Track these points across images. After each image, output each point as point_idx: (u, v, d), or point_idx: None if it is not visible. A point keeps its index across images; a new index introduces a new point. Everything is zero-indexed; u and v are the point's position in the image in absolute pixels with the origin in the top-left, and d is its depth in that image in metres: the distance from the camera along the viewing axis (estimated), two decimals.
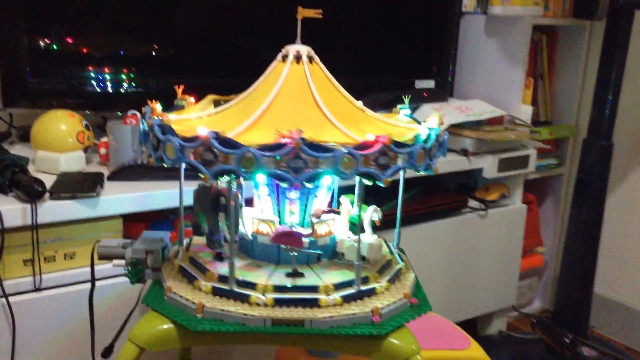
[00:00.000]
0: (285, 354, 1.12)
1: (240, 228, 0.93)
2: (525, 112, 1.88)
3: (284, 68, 0.91)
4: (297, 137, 0.76)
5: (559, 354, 1.69)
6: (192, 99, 0.97)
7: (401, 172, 0.91)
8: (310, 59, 0.91)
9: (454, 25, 1.90)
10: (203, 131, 0.78)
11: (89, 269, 1.17)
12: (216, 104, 1.00)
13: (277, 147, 0.77)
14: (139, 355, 0.82)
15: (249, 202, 0.98)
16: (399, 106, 1.02)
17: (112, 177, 1.28)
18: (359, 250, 0.88)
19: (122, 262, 0.93)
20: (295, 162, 0.77)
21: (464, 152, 1.68)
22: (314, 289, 0.85)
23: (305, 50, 0.91)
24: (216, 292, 0.85)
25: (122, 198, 1.19)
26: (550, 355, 1.75)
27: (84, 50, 1.45)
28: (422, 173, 0.88)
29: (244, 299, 0.83)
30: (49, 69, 1.43)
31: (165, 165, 0.85)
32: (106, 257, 0.96)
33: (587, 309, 1.77)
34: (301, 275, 0.88)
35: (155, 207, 1.24)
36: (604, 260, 2.02)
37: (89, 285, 1.15)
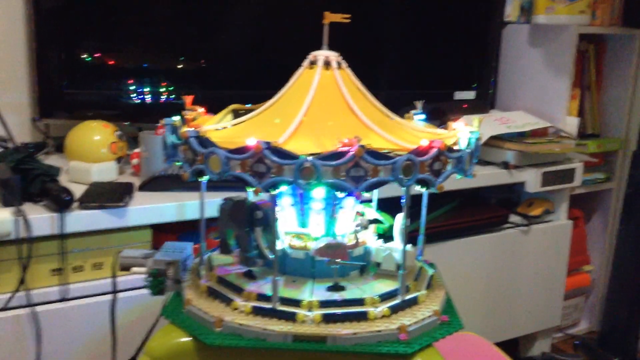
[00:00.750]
0: None
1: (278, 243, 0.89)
2: (570, 124, 1.81)
3: (314, 74, 0.88)
4: (358, 144, 0.73)
5: None
6: (201, 109, 0.94)
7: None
8: (339, 65, 0.88)
9: (495, 36, 1.85)
10: (253, 141, 0.75)
11: (116, 279, 1.17)
12: (235, 113, 0.97)
13: (336, 155, 0.74)
14: None
15: None
16: (412, 112, 0.98)
17: (142, 188, 1.27)
18: (404, 260, 0.84)
19: (142, 269, 0.90)
20: (356, 171, 0.74)
21: (505, 165, 1.62)
22: (359, 302, 0.81)
23: (334, 55, 0.88)
24: (257, 311, 0.80)
25: (150, 208, 1.18)
26: None
27: (119, 63, 1.46)
28: (461, 177, 0.84)
29: (289, 317, 0.79)
30: (85, 81, 1.44)
31: (201, 179, 0.82)
32: (128, 267, 0.94)
33: (635, 331, 1.68)
34: (342, 288, 0.85)
35: (184, 218, 1.22)
36: None
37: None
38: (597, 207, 2.10)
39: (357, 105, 0.86)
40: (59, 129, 1.55)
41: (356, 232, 0.89)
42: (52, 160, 1.43)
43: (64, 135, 1.37)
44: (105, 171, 1.31)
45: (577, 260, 1.98)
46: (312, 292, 0.83)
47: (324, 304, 0.81)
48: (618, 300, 1.67)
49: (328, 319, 0.79)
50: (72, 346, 1.14)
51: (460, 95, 1.75)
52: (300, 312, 0.79)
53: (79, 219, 1.12)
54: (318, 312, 0.79)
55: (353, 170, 0.74)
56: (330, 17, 0.87)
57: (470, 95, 1.77)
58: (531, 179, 1.66)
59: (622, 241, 1.67)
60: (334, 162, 0.74)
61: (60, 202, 1.10)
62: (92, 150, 1.32)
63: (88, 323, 1.14)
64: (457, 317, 0.86)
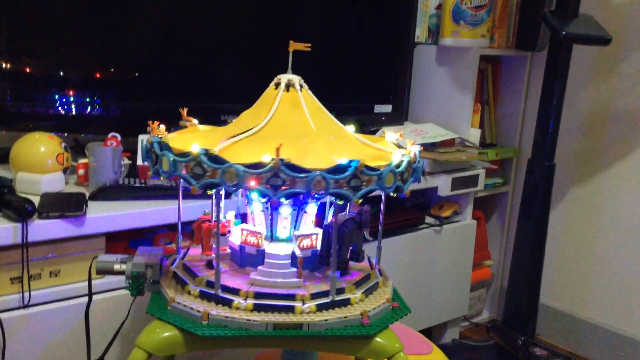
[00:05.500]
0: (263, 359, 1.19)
1: None
2: (474, 135, 2.02)
3: (277, 94, 0.99)
4: (277, 158, 0.85)
5: (510, 359, 1.82)
6: (196, 121, 1.04)
7: (383, 195, 1.00)
8: (301, 87, 1.01)
9: (407, 55, 2.03)
10: (196, 148, 0.86)
11: (73, 286, 1.23)
12: None
13: (259, 165, 0.85)
14: None
15: (244, 218, 1.06)
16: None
17: (93, 197, 1.32)
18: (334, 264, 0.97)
19: (122, 267, 0.98)
20: (275, 180, 0.85)
21: (422, 172, 1.80)
22: (291, 297, 0.92)
23: (297, 79, 1.01)
24: (203, 296, 0.93)
25: (107, 217, 1.24)
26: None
27: (58, 76, 1.48)
28: (392, 194, 0.96)
29: (226, 303, 0.91)
30: (27, 93, 1.46)
31: (162, 178, 0.92)
32: (104, 272, 1.01)
33: (534, 317, 1.90)
34: None
35: (138, 225, 1.29)
36: (547, 271, 2.17)
37: (74, 302, 1.20)
38: (495, 209, 2.34)
39: (313, 120, 0.99)
40: None
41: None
42: None
43: (2, 147, 1.39)
44: (54, 182, 1.34)
45: (479, 256, 2.20)
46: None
47: (259, 295, 0.92)
48: (517, 290, 1.89)
49: (259, 308, 0.90)
50: (35, 352, 1.17)
51: (379, 108, 1.92)
52: (236, 299, 0.91)
53: (39, 229, 1.16)
54: (251, 302, 0.91)
55: (272, 180, 0.85)
56: (294, 46, 0.99)
57: (387, 108, 1.94)
58: (442, 184, 1.86)
59: (519, 238, 1.89)
60: (254, 171, 0.85)
61: (23, 212, 1.14)
62: (40, 161, 1.34)
63: (48, 330, 1.18)
64: (405, 304, 1.01)
